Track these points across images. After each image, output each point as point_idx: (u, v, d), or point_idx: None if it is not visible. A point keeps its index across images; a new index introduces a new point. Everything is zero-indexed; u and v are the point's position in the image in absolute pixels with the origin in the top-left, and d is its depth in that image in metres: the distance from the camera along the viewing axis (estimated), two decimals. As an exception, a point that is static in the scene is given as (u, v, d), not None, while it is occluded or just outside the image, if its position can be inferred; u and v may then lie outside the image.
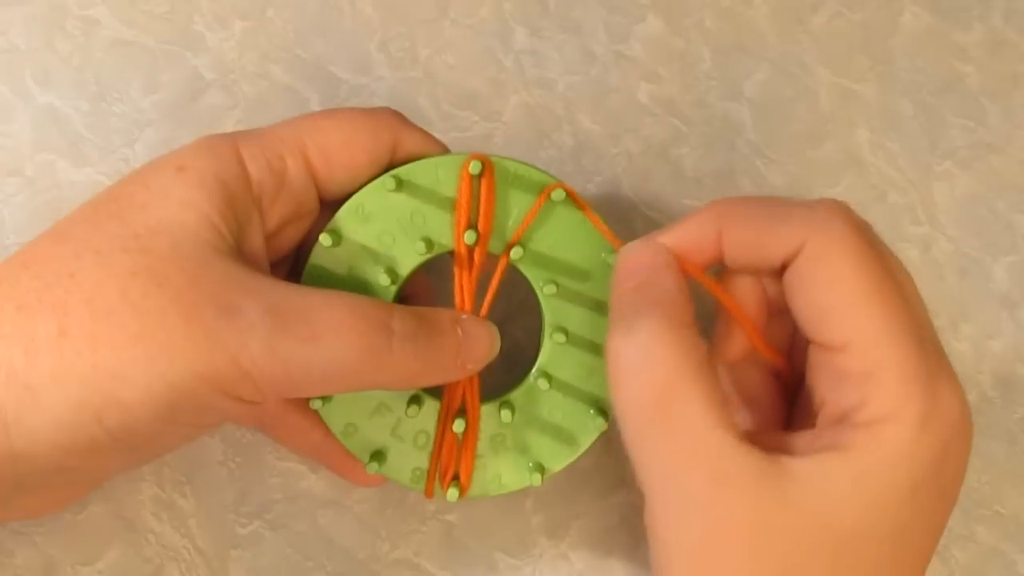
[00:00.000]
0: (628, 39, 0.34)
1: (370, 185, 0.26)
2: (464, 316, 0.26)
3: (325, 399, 0.26)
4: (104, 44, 0.32)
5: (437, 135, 0.28)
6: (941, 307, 0.34)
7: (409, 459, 0.27)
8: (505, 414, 0.27)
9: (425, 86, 0.33)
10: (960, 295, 0.34)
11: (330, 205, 0.27)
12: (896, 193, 0.35)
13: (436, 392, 0.27)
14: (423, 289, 0.30)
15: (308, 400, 0.26)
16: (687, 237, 0.25)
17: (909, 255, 0.34)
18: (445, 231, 0.26)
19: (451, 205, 0.26)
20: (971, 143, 0.35)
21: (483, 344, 0.25)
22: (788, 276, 0.24)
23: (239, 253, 0.24)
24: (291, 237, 0.27)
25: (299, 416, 0.27)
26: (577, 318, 0.27)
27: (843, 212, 0.23)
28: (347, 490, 0.30)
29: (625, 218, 0.33)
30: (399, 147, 0.26)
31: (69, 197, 0.31)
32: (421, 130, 0.27)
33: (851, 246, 0.22)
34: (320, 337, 0.22)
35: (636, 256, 0.25)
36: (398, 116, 0.27)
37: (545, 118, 0.33)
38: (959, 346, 0.34)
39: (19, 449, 0.21)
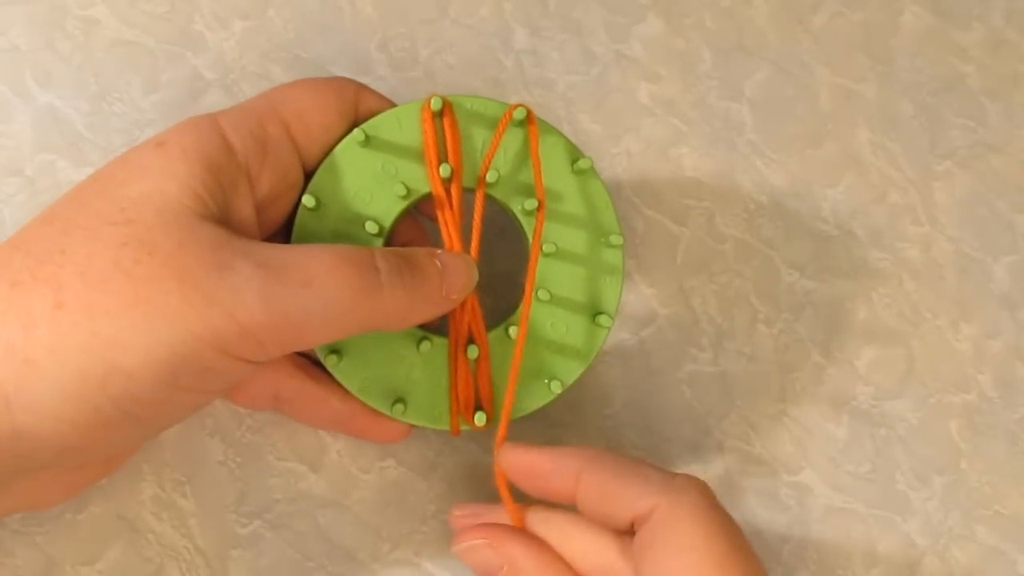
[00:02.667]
0: (628, 39, 0.34)
1: (341, 143, 0.27)
2: (439, 251, 0.26)
3: (339, 356, 0.27)
4: (104, 44, 0.32)
5: (396, 107, 0.28)
6: (941, 307, 0.34)
7: (428, 401, 0.28)
8: (513, 330, 0.28)
9: (425, 86, 0.33)
10: (960, 295, 0.34)
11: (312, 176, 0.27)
12: (896, 193, 0.35)
13: (443, 332, 0.28)
14: (417, 234, 0.30)
15: (323, 359, 0.27)
16: (546, 466, 0.26)
17: (909, 255, 0.34)
18: (418, 175, 0.27)
19: (418, 151, 0.27)
20: (971, 143, 0.35)
21: (462, 273, 0.26)
22: (639, 538, 0.24)
23: (227, 221, 0.24)
24: (281, 209, 0.27)
25: (315, 385, 0.28)
26: (558, 233, 0.28)
27: (699, 486, 0.24)
28: (347, 490, 0.30)
29: (625, 218, 0.33)
30: (361, 106, 0.27)
31: (69, 197, 0.31)
32: (375, 91, 0.28)
33: (704, 517, 0.23)
34: (313, 282, 0.23)
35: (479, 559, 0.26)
36: (353, 80, 0.28)
37: (545, 118, 0.33)
38: (959, 346, 0.34)
39: (21, 424, 0.21)
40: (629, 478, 0.24)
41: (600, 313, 0.28)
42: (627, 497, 0.24)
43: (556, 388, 0.28)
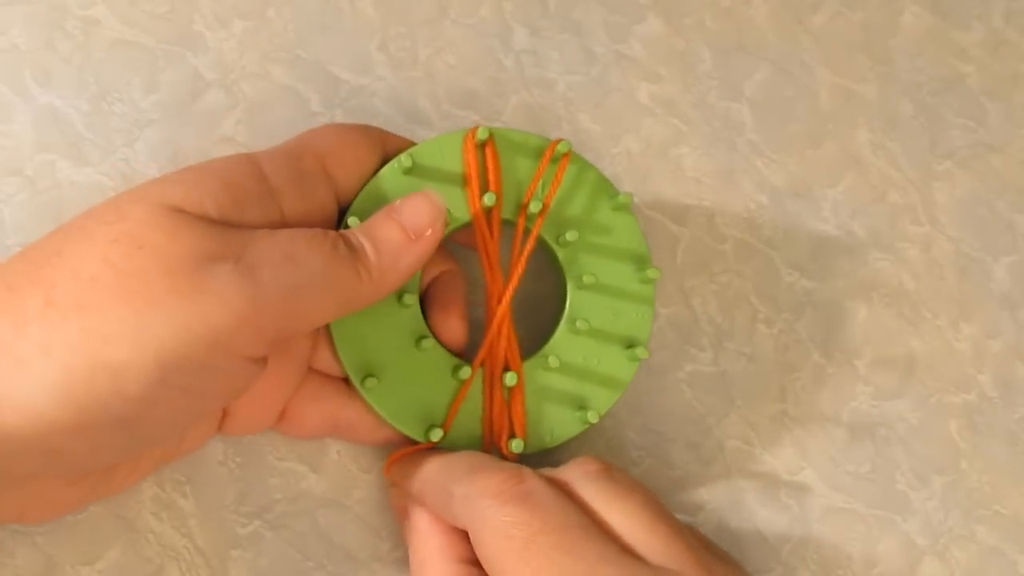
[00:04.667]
0: (628, 39, 0.34)
1: (383, 170, 0.27)
2: (396, 202, 0.26)
3: (375, 382, 0.27)
4: (104, 44, 0.32)
5: (437, 135, 0.28)
6: (941, 307, 0.34)
7: (463, 427, 0.28)
8: (552, 360, 0.28)
9: (425, 86, 0.33)
10: (960, 295, 0.34)
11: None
12: (896, 193, 0.35)
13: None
14: (449, 264, 0.30)
15: (359, 386, 0.27)
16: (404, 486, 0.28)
17: (909, 255, 0.34)
18: (459, 204, 0.28)
19: (459, 179, 0.28)
20: (971, 143, 0.35)
21: (422, 207, 0.26)
22: None
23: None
24: None
25: (316, 404, 0.28)
26: (594, 266, 0.29)
27: (494, 490, 0.24)
28: (347, 490, 0.30)
29: (625, 218, 0.33)
30: (387, 146, 0.28)
31: (69, 197, 0.30)
32: (397, 135, 0.29)
33: (498, 523, 0.23)
34: (295, 256, 0.23)
35: (391, 503, 0.29)
36: (376, 127, 0.29)
37: (545, 118, 0.33)
38: (959, 346, 0.34)
39: (9, 425, 0.21)
40: (440, 500, 0.25)
41: (633, 345, 0.29)
42: (447, 518, 0.25)
43: (591, 418, 0.28)
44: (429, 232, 0.26)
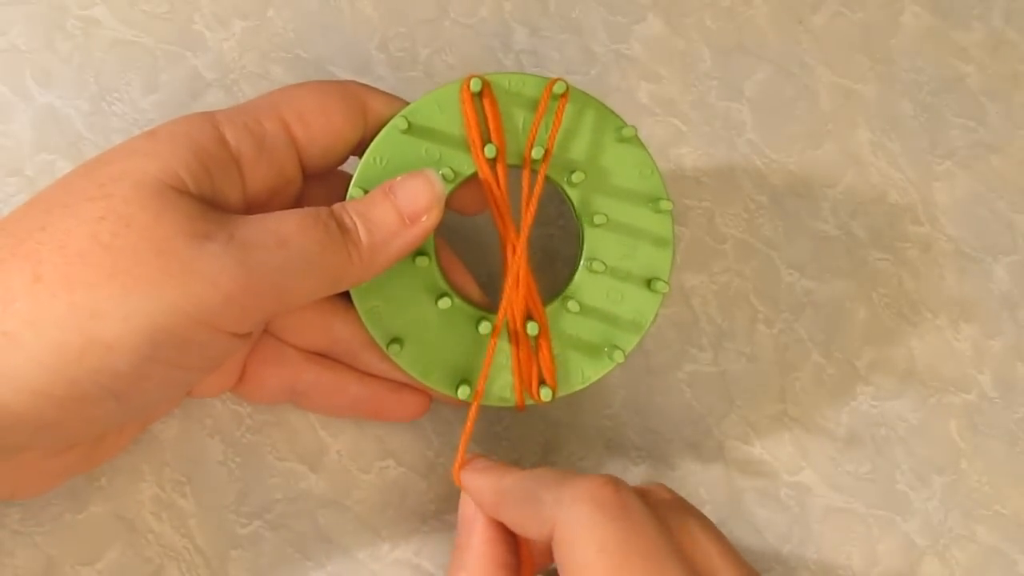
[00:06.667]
0: (628, 39, 0.34)
1: (381, 133, 0.27)
2: (397, 178, 0.26)
3: (401, 344, 0.27)
4: (104, 44, 0.32)
5: (430, 91, 0.28)
6: (941, 307, 0.34)
7: (494, 379, 0.28)
8: (572, 304, 0.28)
9: (425, 86, 0.33)
10: (960, 295, 0.34)
11: (318, 178, 0.27)
12: (896, 193, 0.35)
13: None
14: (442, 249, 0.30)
15: (386, 349, 0.27)
16: (473, 501, 0.27)
17: (909, 255, 0.34)
18: (461, 158, 0.27)
19: (460, 133, 0.27)
20: (971, 143, 0.35)
21: (420, 193, 0.26)
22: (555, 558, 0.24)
23: (212, 205, 0.24)
24: (279, 206, 0.27)
25: (331, 374, 0.28)
26: (606, 204, 0.28)
27: (591, 495, 0.23)
28: (347, 490, 0.30)
29: (625, 218, 0.33)
30: (368, 111, 0.27)
31: (69, 197, 0.31)
32: (384, 92, 0.28)
33: (594, 533, 0.23)
34: (287, 241, 0.23)
35: (462, 510, 0.27)
36: (361, 83, 0.28)
37: (545, 118, 0.33)
38: (959, 346, 0.34)
39: (1, 398, 0.21)
40: (526, 507, 0.25)
41: (653, 279, 0.28)
42: (530, 527, 0.25)
43: (618, 357, 0.28)
44: (425, 218, 0.25)
